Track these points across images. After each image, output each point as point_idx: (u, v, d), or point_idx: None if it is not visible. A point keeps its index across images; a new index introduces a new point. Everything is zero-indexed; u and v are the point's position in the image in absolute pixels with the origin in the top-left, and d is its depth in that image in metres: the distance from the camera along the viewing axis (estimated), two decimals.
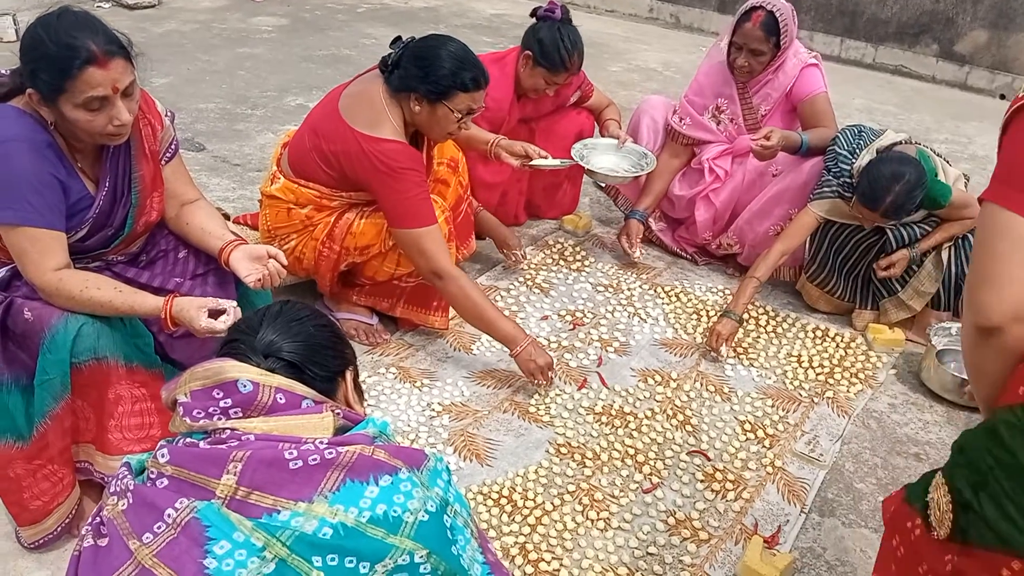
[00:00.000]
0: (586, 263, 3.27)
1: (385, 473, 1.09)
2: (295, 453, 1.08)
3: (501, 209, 3.42)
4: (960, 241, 2.76)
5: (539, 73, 2.99)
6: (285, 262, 1.97)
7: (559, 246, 3.37)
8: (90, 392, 1.78)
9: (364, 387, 2.41)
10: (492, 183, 3.20)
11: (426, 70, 2.30)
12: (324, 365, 1.25)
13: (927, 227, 2.77)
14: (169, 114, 1.97)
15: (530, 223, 3.55)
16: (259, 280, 1.91)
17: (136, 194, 1.89)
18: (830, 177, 2.78)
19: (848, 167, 2.74)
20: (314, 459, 1.08)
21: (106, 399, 1.80)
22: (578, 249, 3.36)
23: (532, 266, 3.21)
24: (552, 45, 2.93)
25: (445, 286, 2.40)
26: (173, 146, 2.01)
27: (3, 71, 1.77)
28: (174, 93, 4.70)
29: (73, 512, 1.88)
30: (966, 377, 2.49)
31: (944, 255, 2.76)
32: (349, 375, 1.30)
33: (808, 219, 2.81)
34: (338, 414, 1.19)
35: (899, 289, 2.86)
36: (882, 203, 2.53)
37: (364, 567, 1.05)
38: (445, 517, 1.13)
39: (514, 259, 3.11)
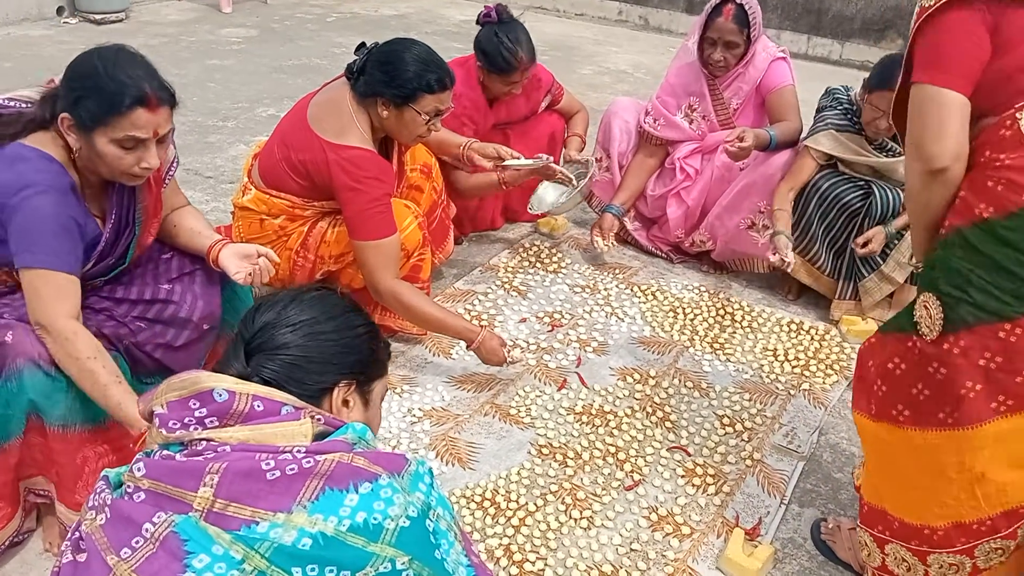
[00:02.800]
0: (563, 265, 3.29)
1: (365, 480, 1.08)
2: (272, 463, 1.07)
3: (479, 214, 3.44)
4: None
5: (495, 79, 3.01)
6: (277, 259, 1.99)
7: (535, 248, 3.38)
8: (54, 448, 1.75)
9: None
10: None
11: (391, 74, 2.30)
12: (305, 384, 1.21)
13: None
14: (175, 161, 1.98)
15: (506, 227, 3.56)
16: (248, 275, 1.91)
17: (139, 225, 1.89)
18: (826, 114, 2.92)
19: (845, 96, 2.91)
20: (292, 468, 1.07)
21: (73, 463, 1.77)
22: (554, 251, 3.37)
23: (509, 269, 3.22)
24: (494, 50, 2.94)
25: (384, 300, 2.44)
26: (174, 165, 2.02)
27: (28, 99, 1.74)
28: None
29: (7, 541, 1.83)
30: None
31: None
32: (339, 392, 1.24)
33: (807, 159, 2.91)
34: (318, 420, 1.17)
35: (881, 263, 2.88)
36: (896, 80, 2.59)
37: None
38: (427, 522, 1.11)
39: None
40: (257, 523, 1.04)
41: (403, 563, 1.06)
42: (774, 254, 2.86)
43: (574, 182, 3.06)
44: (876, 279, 2.93)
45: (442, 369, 2.63)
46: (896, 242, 2.85)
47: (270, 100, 4.89)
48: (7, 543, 1.83)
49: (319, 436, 1.17)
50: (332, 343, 1.25)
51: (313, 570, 1.03)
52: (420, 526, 1.10)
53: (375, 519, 1.06)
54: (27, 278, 1.69)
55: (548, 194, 3.34)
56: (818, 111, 2.98)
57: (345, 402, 1.26)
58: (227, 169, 3.92)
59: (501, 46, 2.94)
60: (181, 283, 2.00)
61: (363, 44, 2.41)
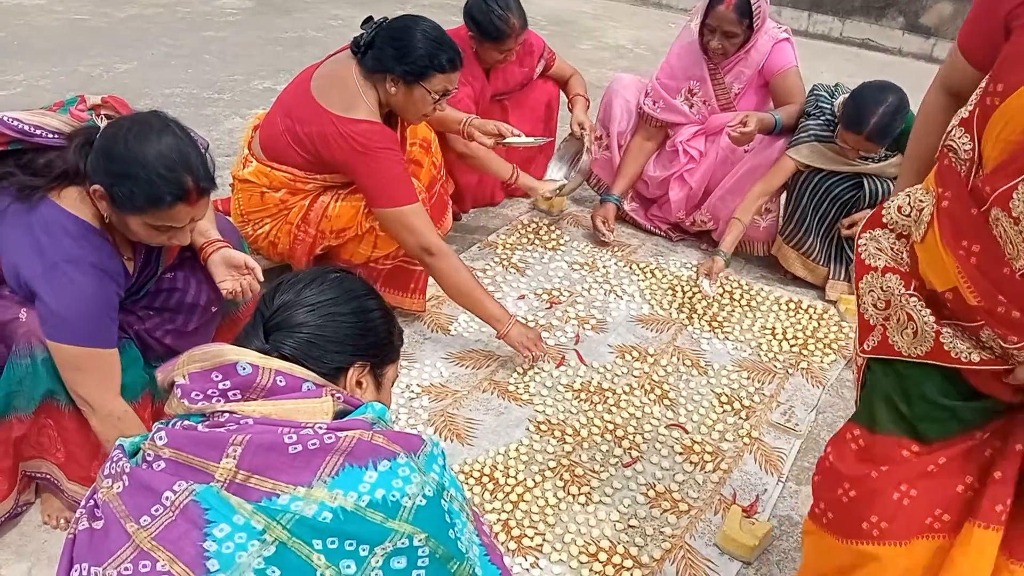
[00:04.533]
0: (561, 242, 3.28)
1: (384, 458, 1.09)
2: (294, 438, 1.08)
3: (478, 189, 3.43)
4: None
5: (488, 48, 2.98)
6: (261, 278, 1.95)
7: (534, 225, 3.37)
8: (68, 427, 1.75)
9: None
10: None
11: (402, 51, 2.28)
12: (322, 361, 1.22)
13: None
14: (204, 145, 1.85)
15: (505, 203, 3.55)
16: (231, 292, 1.89)
17: (162, 261, 1.88)
18: (809, 122, 2.85)
19: (829, 105, 2.83)
20: (313, 444, 1.08)
21: (88, 441, 1.77)
22: (553, 228, 3.36)
23: (507, 246, 3.21)
24: (484, 19, 2.92)
25: (435, 262, 2.40)
26: None
27: (56, 130, 1.64)
28: (140, 79, 4.63)
29: (5, 515, 1.82)
30: None
31: None
32: (354, 372, 1.26)
33: (786, 164, 2.89)
34: (338, 398, 1.18)
35: None
36: (867, 124, 2.60)
37: (364, 550, 1.05)
38: (442, 502, 1.13)
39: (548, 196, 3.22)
40: (278, 495, 1.05)
41: (420, 540, 1.07)
42: (703, 276, 2.83)
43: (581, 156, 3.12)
44: None
45: (440, 345, 2.62)
46: None
47: (266, 73, 4.84)
48: (5, 516, 1.82)
49: (340, 414, 1.18)
50: (349, 324, 1.26)
51: (333, 543, 1.04)
52: (436, 505, 1.11)
53: (393, 496, 1.07)
54: (68, 353, 1.64)
55: (557, 177, 3.32)
56: (804, 113, 2.91)
57: (359, 383, 1.28)
58: (223, 142, 3.88)
59: (492, 13, 2.91)
60: (182, 269, 1.98)
61: (370, 18, 2.38)
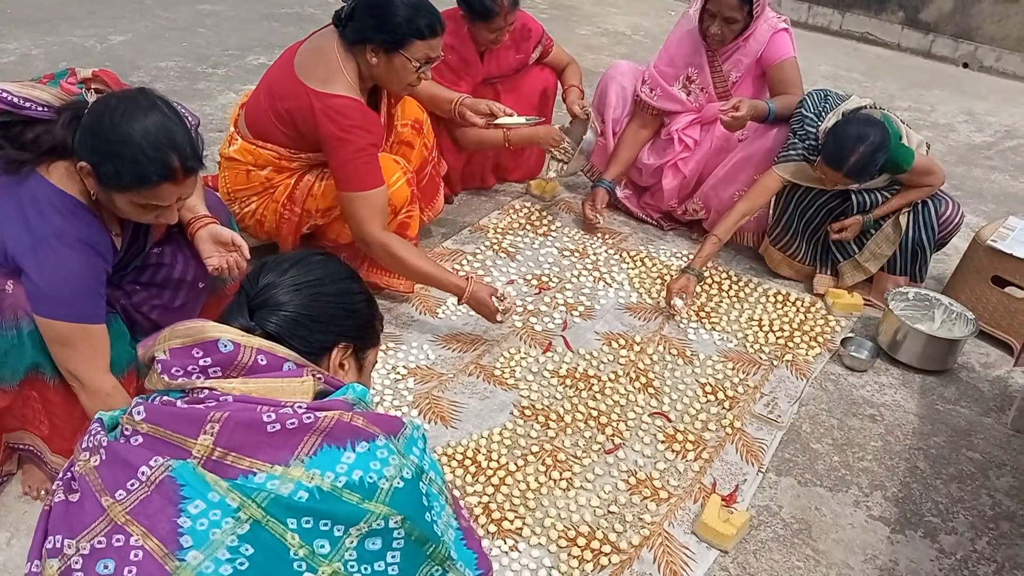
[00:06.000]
0: (552, 228, 3.28)
1: (362, 439, 1.10)
2: (273, 416, 1.08)
3: (468, 171, 3.41)
4: (919, 207, 2.81)
5: (480, 27, 2.95)
6: (248, 255, 1.95)
7: (526, 210, 3.36)
8: (52, 400, 1.75)
9: None
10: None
11: (380, 19, 2.25)
12: (307, 340, 1.23)
13: (889, 194, 2.81)
14: (194, 122, 1.83)
15: (497, 187, 3.54)
16: (217, 268, 1.89)
17: (150, 237, 1.87)
18: (795, 140, 2.80)
19: (814, 129, 2.76)
20: (292, 423, 1.08)
21: (72, 415, 1.76)
22: (545, 214, 3.36)
23: (498, 230, 3.20)
24: None
25: (373, 252, 2.41)
26: None
27: (45, 103, 1.61)
28: (133, 50, 4.59)
29: None
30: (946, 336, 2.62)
31: (902, 220, 2.82)
32: (337, 353, 1.27)
33: (772, 182, 2.84)
34: (319, 378, 1.19)
35: (856, 251, 2.91)
36: (846, 163, 2.56)
37: (339, 530, 1.05)
38: (420, 484, 1.13)
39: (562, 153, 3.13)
40: (255, 473, 1.05)
41: (396, 522, 1.08)
42: (675, 296, 2.74)
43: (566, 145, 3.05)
44: (850, 266, 2.95)
45: (428, 327, 2.62)
46: (873, 232, 2.86)
47: (261, 48, 4.80)
48: None
49: (320, 394, 1.18)
50: (333, 305, 1.27)
51: (308, 522, 1.04)
52: (414, 488, 1.11)
53: (371, 478, 1.07)
54: (58, 328, 1.63)
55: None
56: (791, 131, 2.84)
57: (341, 364, 1.29)
58: (216, 117, 3.86)
59: None
60: (170, 244, 1.97)
61: None
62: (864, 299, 2.96)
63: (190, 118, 1.80)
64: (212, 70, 4.46)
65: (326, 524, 1.04)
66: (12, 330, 1.65)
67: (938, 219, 2.80)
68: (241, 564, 1.00)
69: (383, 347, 2.50)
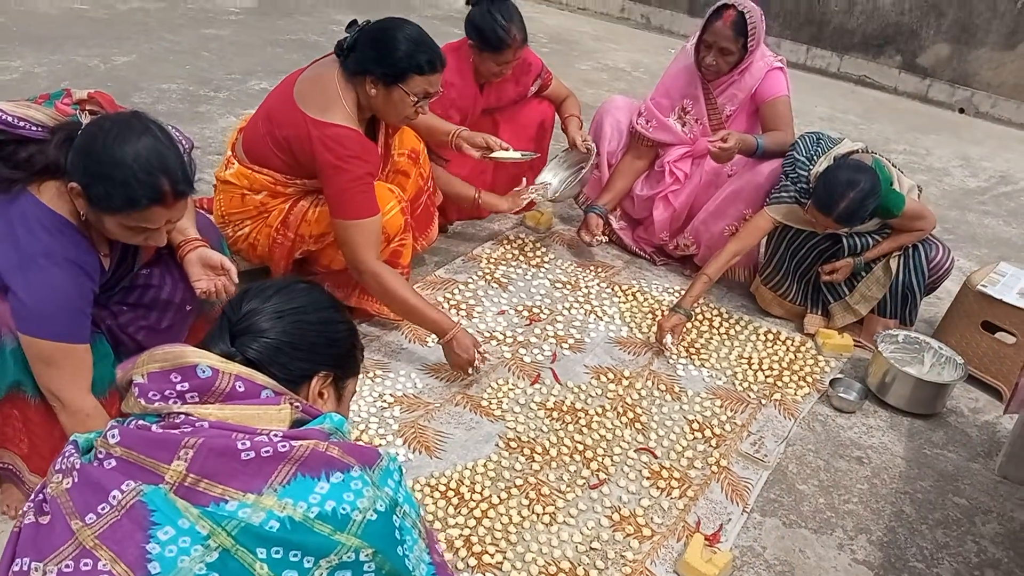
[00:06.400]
0: (546, 259, 3.29)
1: (337, 470, 1.09)
2: (248, 444, 1.07)
3: (474, 205, 3.42)
4: (910, 251, 2.82)
5: (487, 58, 2.99)
6: (236, 279, 1.95)
7: (519, 241, 3.37)
8: (33, 419, 1.73)
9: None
10: (456, 175, 3.19)
11: (381, 52, 2.28)
12: (287, 368, 1.22)
13: (880, 237, 2.83)
14: (187, 146, 1.85)
15: (492, 218, 3.55)
16: (205, 292, 1.89)
17: (139, 258, 1.87)
18: (787, 183, 2.82)
19: (806, 173, 2.78)
20: (267, 451, 1.07)
21: (51, 435, 1.75)
22: (538, 245, 3.37)
23: (491, 260, 3.21)
24: (487, 28, 2.92)
25: (365, 280, 2.41)
26: None
27: (39, 123, 1.63)
28: (136, 72, 4.63)
29: None
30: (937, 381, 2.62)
31: (893, 264, 2.83)
32: (317, 382, 1.26)
33: (763, 222, 2.85)
34: (297, 407, 1.18)
35: (847, 293, 2.92)
36: (836, 209, 2.58)
37: (308, 561, 1.04)
38: (394, 517, 1.12)
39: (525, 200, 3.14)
40: (226, 501, 1.04)
41: (367, 555, 1.07)
42: (664, 334, 2.74)
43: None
44: (840, 307, 2.96)
45: (416, 356, 2.62)
46: (864, 275, 2.87)
47: (264, 73, 4.84)
48: None
49: (297, 423, 1.18)
50: (315, 333, 1.27)
51: (278, 552, 1.03)
52: (387, 521, 1.11)
53: (344, 509, 1.07)
54: (40, 347, 1.62)
55: (550, 180, 3.33)
56: (783, 173, 2.85)
57: (321, 393, 1.28)
58: (215, 140, 3.88)
59: (495, 23, 2.92)
60: (158, 266, 1.97)
61: (355, 21, 2.39)
62: (854, 340, 2.96)
63: (184, 142, 1.81)
64: (214, 93, 4.50)
65: (296, 555, 1.03)
66: None
67: (928, 263, 2.81)
68: None
69: (370, 375, 2.49)
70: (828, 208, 2.58)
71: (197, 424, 1.09)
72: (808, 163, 2.78)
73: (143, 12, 5.75)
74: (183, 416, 1.10)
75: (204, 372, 1.12)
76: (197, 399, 1.12)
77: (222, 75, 4.77)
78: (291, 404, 1.16)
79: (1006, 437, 2.56)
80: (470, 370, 2.46)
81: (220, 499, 1.04)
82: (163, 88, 4.45)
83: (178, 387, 1.12)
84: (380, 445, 2.23)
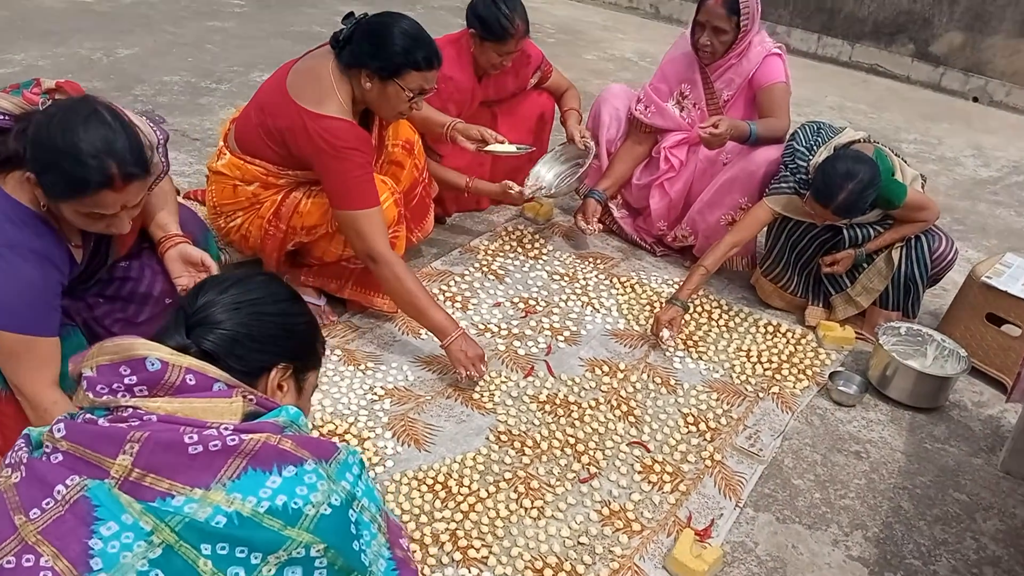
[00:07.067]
0: (544, 251, 3.25)
1: (289, 463, 1.07)
2: (195, 438, 1.05)
3: (464, 195, 3.39)
4: (912, 241, 2.76)
5: (489, 48, 2.95)
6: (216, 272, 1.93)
7: (518, 233, 3.34)
8: (5, 411, 1.72)
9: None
10: (453, 167, 3.16)
11: (378, 46, 2.26)
12: (244, 360, 1.21)
13: (882, 228, 2.78)
14: (161, 138, 1.84)
15: (491, 209, 3.52)
16: (185, 289, 1.87)
17: (114, 248, 1.85)
18: (787, 173, 2.77)
19: (805, 164, 2.73)
20: (215, 445, 1.05)
21: (21, 429, 1.74)
22: (537, 237, 3.33)
23: (489, 252, 3.18)
24: (491, 17, 2.89)
25: (379, 270, 2.37)
26: (162, 177, 1.90)
27: (6, 111, 1.62)
28: (139, 64, 4.62)
29: None
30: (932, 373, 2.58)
31: (895, 255, 2.77)
32: (276, 374, 1.24)
33: (762, 213, 2.81)
34: (250, 400, 1.16)
35: (848, 285, 2.87)
36: (834, 200, 2.53)
37: (256, 558, 1.02)
38: (350, 512, 1.10)
39: (518, 194, 3.06)
40: (173, 496, 1.02)
41: (318, 551, 1.04)
42: (661, 327, 2.69)
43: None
44: (842, 299, 2.91)
45: (409, 348, 2.60)
46: (865, 266, 2.82)
47: (266, 65, 4.82)
48: None
49: (250, 416, 1.16)
50: (274, 325, 1.26)
51: (223, 548, 1.01)
52: (341, 515, 1.08)
53: (295, 504, 1.04)
54: (4, 339, 1.60)
55: (544, 175, 3.29)
56: (783, 163, 2.81)
57: (280, 386, 1.26)
58: (215, 132, 3.86)
59: (499, 12, 2.89)
60: (139, 259, 1.96)
61: (351, 14, 2.36)
62: (856, 333, 2.91)
63: (158, 133, 1.80)
64: (216, 85, 4.48)
65: (243, 551, 1.01)
66: None
67: (931, 255, 2.76)
68: None
69: (361, 367, 2.47)
70: (826, 199, 2.54)
71: (145, 418, 1.07)
72: (808, 153, 2.73)
73: (147, 5, 5.75)
74: (131, 410, 1.08)
75: (153, 365, 1.10)
76: (146, 392, 1.10)
77: (224, 67, 4.76)
78: (244, 397, 1.14)
79: (1010, 431, 2.51)
80: (473, 373, 2.39)
81: (167, 494, 1.02)
82: (165, 80, 4.45)
83: (126, 380, 1.10)
84: (368, 438, 2.21)
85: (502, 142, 2.87)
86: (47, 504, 1.01)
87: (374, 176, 2.38)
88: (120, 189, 1.56)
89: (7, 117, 1.61)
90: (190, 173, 3.46)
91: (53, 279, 1.65)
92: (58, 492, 1.01)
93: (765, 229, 2.96)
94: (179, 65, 4.70)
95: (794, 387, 2.65)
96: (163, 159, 1.87)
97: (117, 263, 1.91)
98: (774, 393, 2.61)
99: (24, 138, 1.57)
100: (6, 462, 1.10)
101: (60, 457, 1.05)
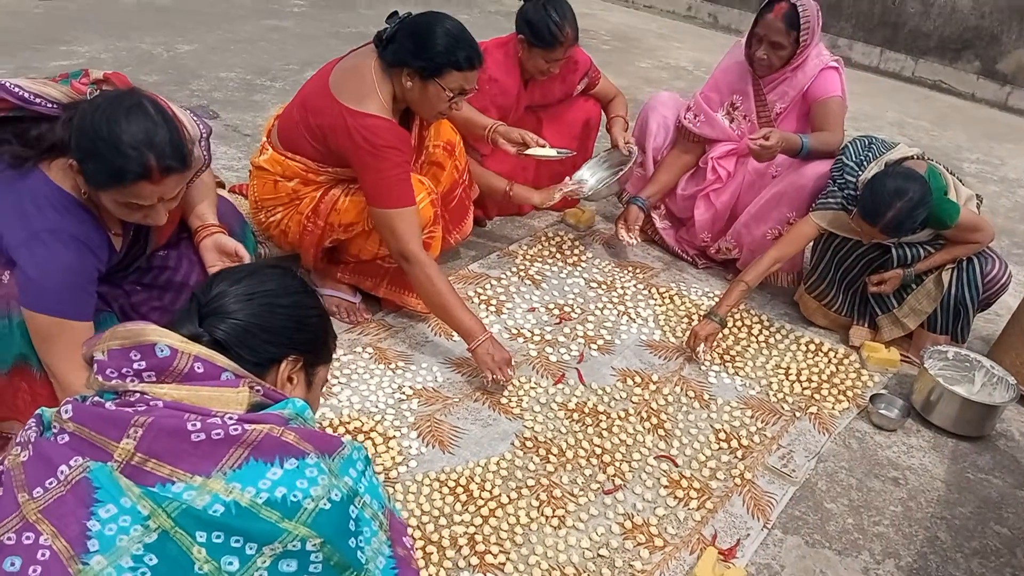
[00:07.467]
0: (583, 258, 3.22)
1: (292, 456, 1.07)
2: (198, 425, 1.06)
3: (505, 198, 3.38)
4: (964, 263, 2.67)
5: (537, 54, 2.94)
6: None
7: (558, 239, 3.32)
8: (39, 393, 1.76)
9: (338, 366, 2.42)
10: (496, 172, 3.15)
11: (420, 46, 2.26)
12: (256, 350, 1.22)
13: (932, 248, 2.68)
14: (204, 132, 1.87)
15: (531, 214, 3.51)
16: None
17: (153, 238, 1.89)
18: (835, 188, 2.70)
19: (854, 179, 2.66)
20: (218, 434, 1.06)
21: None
22: (577, 243, 3.31)
23: (527, 257, 3.17)
24: (541, 23, 2.88)
25: (411, 269, 2.37)
26: (203, 169, 1.94)
27: (55, 100, 1.67)
28: (197, 60, 4.73)
29: None
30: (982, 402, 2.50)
31: (945, 276, 2.68)
32: (286, 366, 1.25)
33: (807, 228, 2.74)
34: (257, 390, 1.16)
35: (896, 306, 2.78)
36: (882, 218, 2.45)
37: (251, 548, 1.02)
38: (351, 508, 1.10)
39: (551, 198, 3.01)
40: (173, 482, 1.03)
41: (314, 545, 1.04)
42: (698, 342, 2.64)
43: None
44: (888, 320, 2.81)
45: (441, 350, 2.59)
46: (914, 287, 2.73)
47: (319, 64, 4.83)
48: None
49: (256, 407, 1.16)
50: (286, 317, 1.26)
51: (218, 537, 1.01)
52: (341, 511, 1.08)
53: (295, 497, 1.04)
54: (39, 321, 1.65)
55: (587, 179, 3.26)
56: (831, 178, 2.73)
57: (290, 378, 1.27)
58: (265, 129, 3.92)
59: (549, 19, 2.88)
60: (177, 249, 1.99)
61: (395, 13, 2.37)
62: (901, 355, 2.82)
63: (201, 127, 1.82)
64: (270, 83, 4.56)
65: (238, 541, 1.01)
66: (4, 319, 1.67)
67: (983, 278, 2.66)
68: (143, 573, 0.98)
69: (392, 366, 2.48)
70: (874, 217, 2.46)
71: (152, 403, 1.08)
72: (857, 168, 2.66)
73: (210, 3, 5.88)
74: (138, 395, 1.09)
75: (163, 351, 1.11)
76: (154, 378, 1.11)
77: (279, 65, 4.84)
78: (251, 387, 1.14)
79: None
80: (499, 376, 2.37)
81: (167, 480, 1.03)
82: (221, 77, 4.54)
83: (135, 365, 1.11)
84: (393, 437, 2.21)
85: (543, 145, 2.85)
86: (50, 483, 1.02)
87: (411, 176, 2.39)
88: (158, 181, 1.59)
89: (55, 105, 1.66)
90: (238, 168, 3.52)
91: (90, 265, 1.68)
92: (61, 472, 1.03)
93: (810, 245, 2.88)
94: (236, 62, 4.80)
95: (833, 408, 2.58)
96: (205, 152, 1.90)
97: (155, 252, 1.94)
98: (811, 413, 2.54)
99: (70, 126, 1.60)
100: (16, 440, 1.12)
101: (66, 438, 1.07)
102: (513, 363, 2.43)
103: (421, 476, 2.10)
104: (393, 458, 2.14)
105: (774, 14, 2.81)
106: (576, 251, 3.26)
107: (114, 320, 1.84)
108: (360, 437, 2.19)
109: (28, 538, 0.99)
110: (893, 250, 2.69)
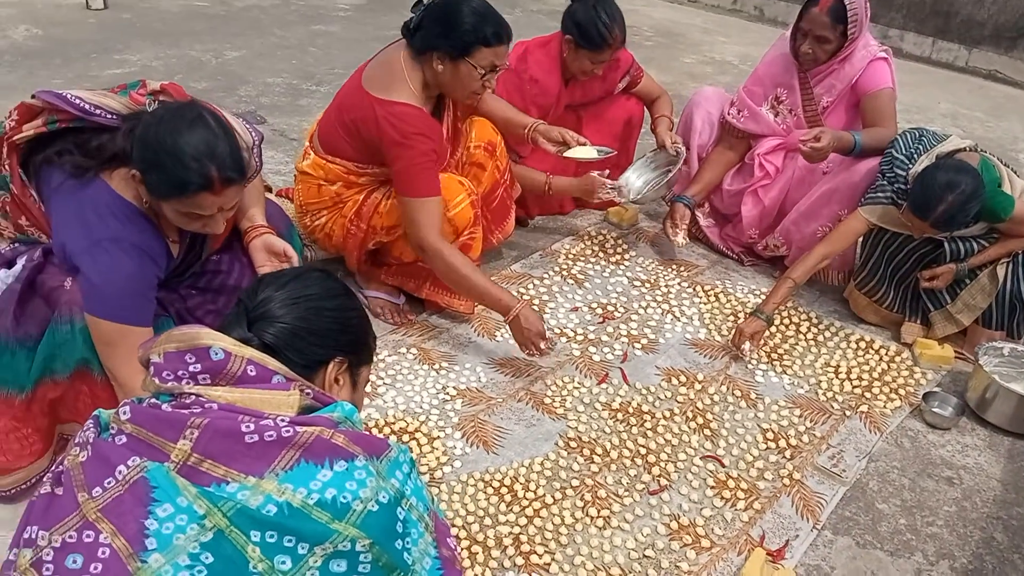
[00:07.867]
0: (626, 257, 3.21)
1: (341, 458, 1.09)
2: (252, 427, 1.09)
3: (547, 197, 3.38)
4: (1020, 257, 2.59)
5: (583, 55, 2.93)
6: (297, 264, 1.99)
7: (601, 238, 3.31)
8: (100, 396, 1.81)
9: (383, 366, 2.44)
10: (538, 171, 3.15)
11: (447, 26, 2.27)
12: (304, 353, 1.25)
13: (986, 242, 2.61)
14: (256, 139, 1.91)
15: (575, 213, 3.50)
16: None
17: (208, 244, 1.94)
18: (884, 182, 2.64)
19: (904, 173, 2.59)
20: (271, 435, 1.09)
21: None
22: (620, 242, 3.29)
23: (570, 256, 3.16)
24: (589, 24, 2.86)
25: (429, 260, 2.39)
26: (254, 175, 1.96)
27: (115, 111, 1.71)
28: (245, 66, 4.81)
29: (35, 479, 1.87)
30: None
31: (1000, 271, 2.60)
32: (333, 368, 1.28)
33: (857, 224, 2.68)
34: (308, 394, 1.19)
35: (949, 301, 2.71)
36: (933, 212, 2.39)
37: (303, 548, 1.05)
38: (398, 510, 1.12)
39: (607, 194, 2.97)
40: (228, 483, 1.06)
41: (363, 545, 1.06)
42: (743, 339, 2.60)
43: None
44: (941, 316, 2.74)
45: (484, 350, 2.60)
46: (967, 282, 2.65)
47: None
48: (34, 480, 1.88)
49: (306, 410, 1.19)
50: (331, 320, 1.29)
51: (272, 537, 1.04)
52: (389, 513, 1.10)
53: (344, 498, 1.06)
54: (102, 327, 1.70)
55: (634, 182, 3.22)
56: (880, 172, 2.66)
57: (336, 379, 1.30)
58: None
59: (598, 20, 2.86)
60: (228, 252, 2.03)
61: (419, 1, 2.38)
62: (955, 352, 2.75)
63: (253, 134, 1.86)
64: (316, 87, 4.62)
65: (290, 540, 1.03)
66: (67, 324, 1.73)
67: None
68: (199, 572, 1.01)
69: (436, 367, 2.49)
70: (924, 211, 2.40)
71: (207, 405, 1.11)
72: (907, 162, 2.59)
73: (258, 9, 5.99)
74: (194, 397, 1.12)
75: (217, 354, 1.14)
76: (209, 381, 1.14)
77: (325, 70, 4.90)
78: (301, 390, 1.17)
79: None
80: (542, 345, 2.38)
81: (222, 480, 1.05)
82: (268, 82, 4.61)
83: (191, 368, 1.14)
84: (438, 438, 2.22)
85: (584, 144, 2.83)
86: (108, 483, 1.06)
87: (436, 166, 2.39)
88: (218, 192, 1.63)
89: (115, 116, 1.71)
90: (285, 172, 3.57)
91: (151, 272, 1.73)
92: (119, 472, 1.06)
93: (860, 240, 2.83)
94: (282, 67, 4.87)
95: (884, 406, 2.53)
96: (256, 159, 1.95)
97: (209, 256, 1.98)
98: (862, 412, 2.49)
99: (131, 137, 1.66)
100: (75, 441, 1.15)
101: (124, 439, 1.10)
102: (549, 336, 2.42)
103: (466, 476, 2.11)
104: (438, 458, 2.15)
105: (819, 8, 2.75)
106: (619, 249, 3.24)
107: (172, 324, 1.89)
108: (405, 437, 2.21)
109: (88, 536, 1.02)
110: (946, 244, 2.63)
